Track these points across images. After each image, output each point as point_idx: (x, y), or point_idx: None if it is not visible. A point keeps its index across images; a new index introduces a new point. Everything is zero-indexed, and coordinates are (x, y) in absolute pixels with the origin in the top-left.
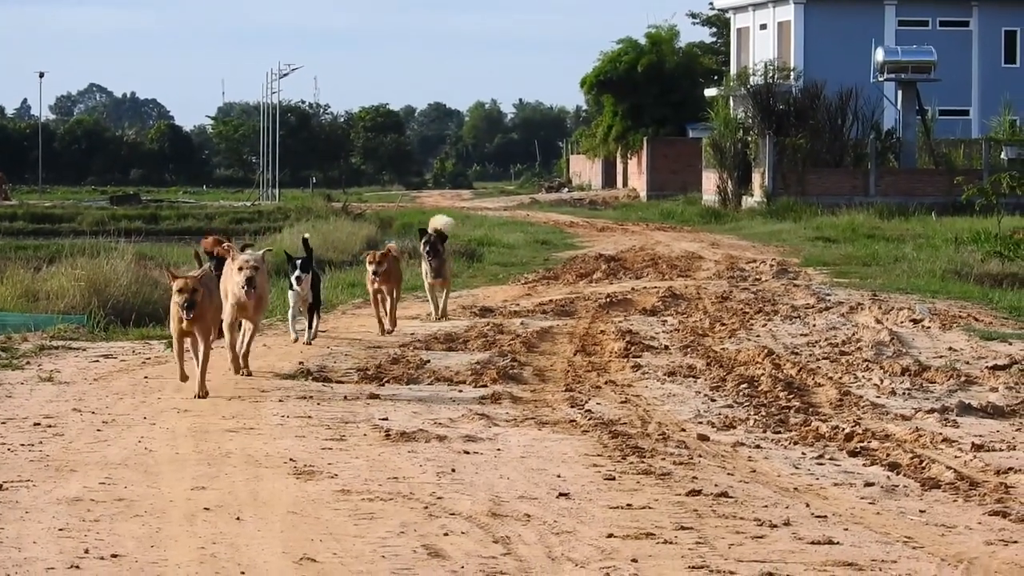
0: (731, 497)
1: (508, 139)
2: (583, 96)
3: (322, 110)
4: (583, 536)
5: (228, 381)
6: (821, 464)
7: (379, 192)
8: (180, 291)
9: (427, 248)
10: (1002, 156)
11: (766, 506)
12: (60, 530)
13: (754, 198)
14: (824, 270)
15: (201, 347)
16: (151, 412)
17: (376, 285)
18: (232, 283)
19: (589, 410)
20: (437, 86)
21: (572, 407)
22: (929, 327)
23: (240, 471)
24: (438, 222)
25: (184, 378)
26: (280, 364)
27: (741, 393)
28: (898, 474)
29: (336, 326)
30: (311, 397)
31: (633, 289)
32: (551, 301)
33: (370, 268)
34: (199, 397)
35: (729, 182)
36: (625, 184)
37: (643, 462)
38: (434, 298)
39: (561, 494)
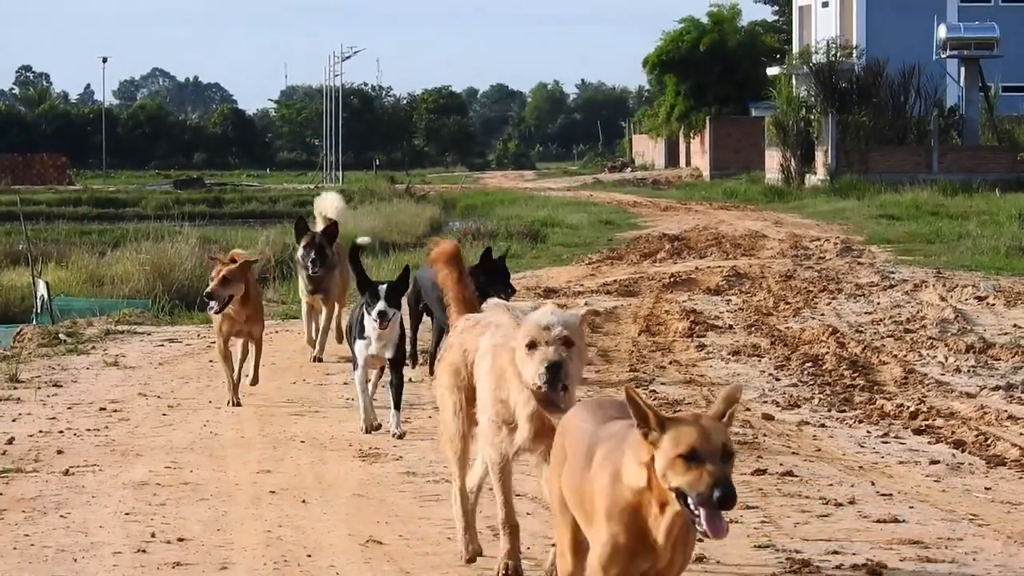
0: (796, 476)
1: (571, 119)
2: (645, 76)
3: (384, 92)
4: None
5: (292, 364)
6: (886, 442)
7: (442, 173)
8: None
9: (311, 253)
10: None
11: (831, 484)
12: (126, 514)
13: (817, 176)
14: (888, 248)
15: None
16: (216, 396)
17: (228, 325)
18: (496, 367)
19: (653, 390)
20: (499, 67)
21: (636, 387)
22: (994, 304)
23: (305, 454)
24: (329, 206)
25: None
26: (345, 347)
27: (806, 372)
28: (963, 452)
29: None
30: None
31: (697, 268)
32: (615, 281)
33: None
34: None
35: (792, 160)
36: (688, 163)
37: None
38: (312, 323)
39: None
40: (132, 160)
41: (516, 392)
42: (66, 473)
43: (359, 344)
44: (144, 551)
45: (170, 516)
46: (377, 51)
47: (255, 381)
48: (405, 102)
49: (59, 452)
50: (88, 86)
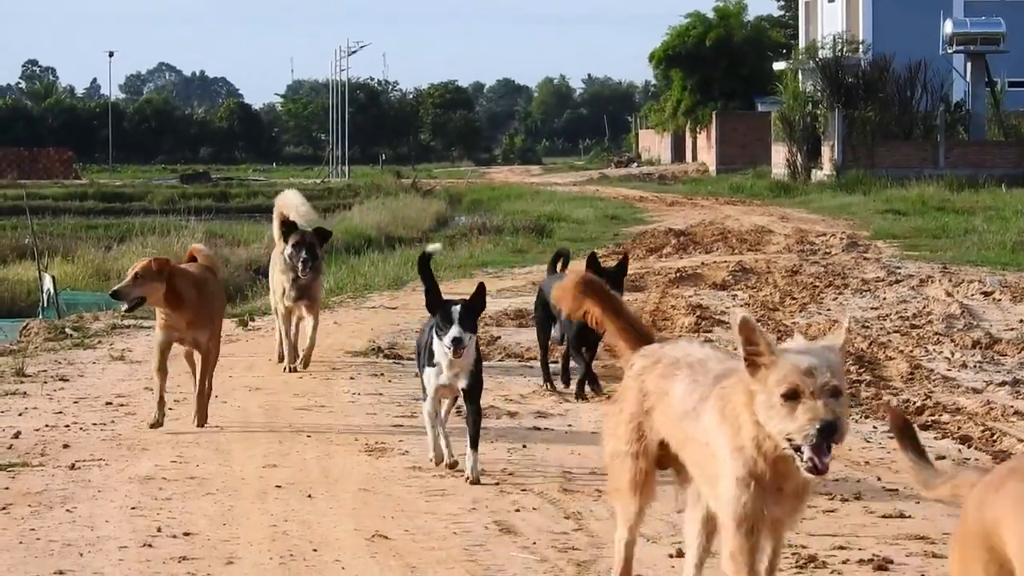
0: None
1: (577, 114)
2: (652, 71)
3: (391, 87)
4: (655, 511)
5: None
6: (892, 437)
7: (448, 168)
8: None
9: (301, 252)
10: None
11: (837, 480)
12: (132, 508)
13: (823, 171)
14: (894, 243)
15: None
16: (222, 390)
17: (165, 332)
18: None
19: None
20: (506, 62)
21: None
22: (1000, 299)
23: (311, 448)
24: (291, 204)
25: None
26: (351, 341)
27: None
28: (969, 447)
29: (407, 303)
30: (382, 374)
31: (703, 263)
32: None
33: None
34: None
35: (798, 155)
36: (694, 158)
37: None
38: (290, 331)
39: None
40: (138, 154)
41: (749, 442)
42: (72, 467)
43: (428, 372)
44: (150, 545)
45: (176, 510)
46: (383, 46)
47: (201, 417)
48: (411, 97)
49: (65, 446)
50: (94, 80)
